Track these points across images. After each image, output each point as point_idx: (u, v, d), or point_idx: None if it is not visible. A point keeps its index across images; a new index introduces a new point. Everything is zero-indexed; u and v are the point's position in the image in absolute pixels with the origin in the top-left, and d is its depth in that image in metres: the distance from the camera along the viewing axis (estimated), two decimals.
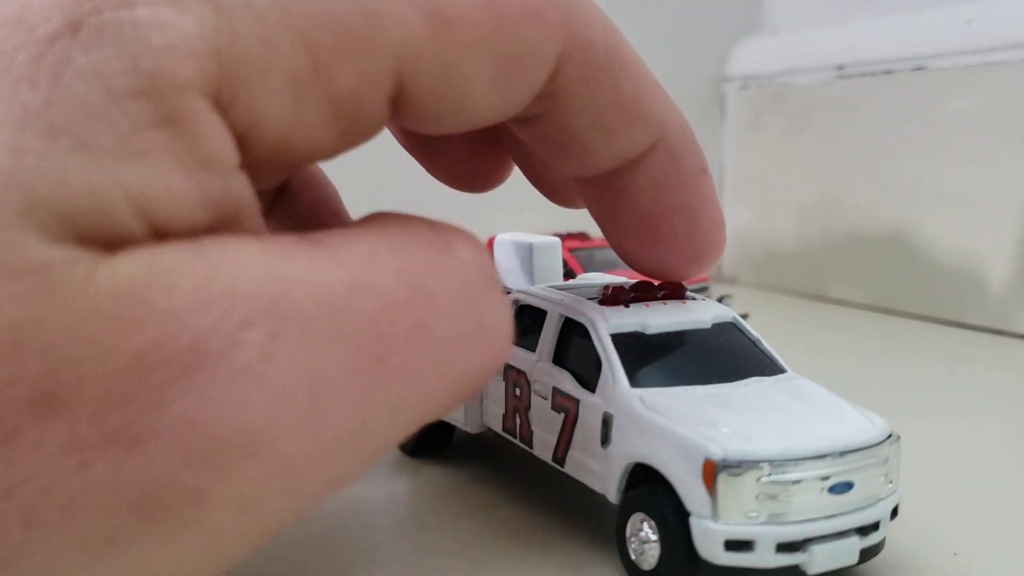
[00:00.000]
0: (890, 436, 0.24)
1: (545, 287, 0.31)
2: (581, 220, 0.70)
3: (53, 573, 0.14)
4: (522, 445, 0.29)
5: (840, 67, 0.70)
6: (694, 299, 0.29)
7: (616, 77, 0.23)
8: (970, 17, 0.60)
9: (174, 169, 0.15)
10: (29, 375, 0.13)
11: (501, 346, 0.19)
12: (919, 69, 0.63)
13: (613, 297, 0.28)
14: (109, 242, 0.15)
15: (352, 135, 0.19)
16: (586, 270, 0.54)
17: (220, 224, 0.16)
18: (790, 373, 0.28)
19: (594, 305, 0.28)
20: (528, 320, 0.30)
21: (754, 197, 0.78)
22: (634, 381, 0.25)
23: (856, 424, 0.24)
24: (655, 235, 0.26)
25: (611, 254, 0.57)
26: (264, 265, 0.16)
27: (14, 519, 0.13)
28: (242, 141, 0.17)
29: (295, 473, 0.15)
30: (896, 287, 0.64)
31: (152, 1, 0.16)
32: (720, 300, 0.59)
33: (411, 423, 0.18)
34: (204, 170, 0.16)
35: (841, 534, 0.23)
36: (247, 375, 0.14)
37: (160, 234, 0.15)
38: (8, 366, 0.13)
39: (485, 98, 0.20)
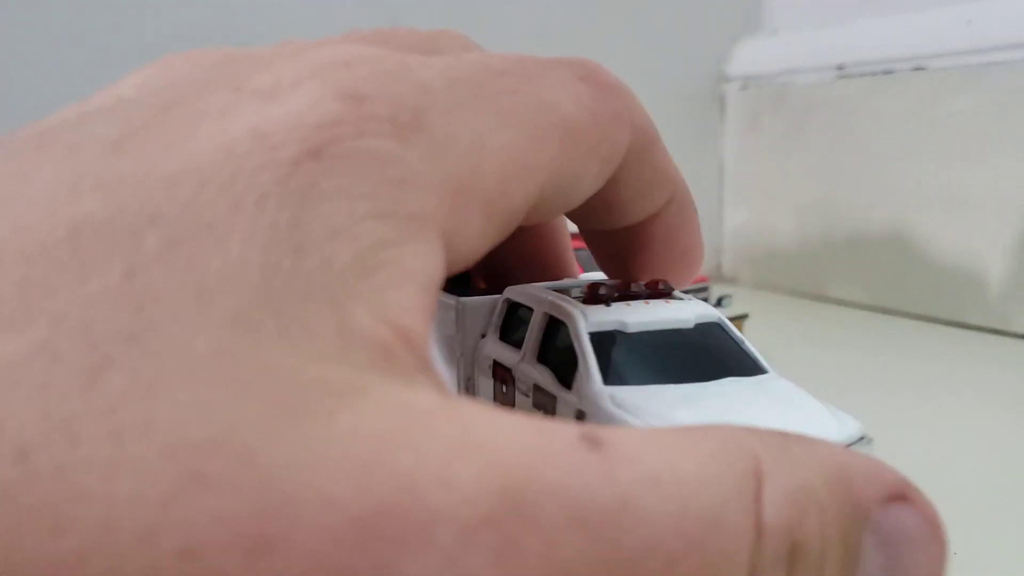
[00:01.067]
0: (862, 439, 0.24)
1: (540, 286, 0.31)
2: None
3: None
4: None
5: (840, 67, 0.70)
6: (679, 299, 0.29)
7: (653, 151, 0.25)
8: (970, 17, 0.60)
9: (407, 285, 0.15)
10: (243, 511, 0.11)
11: None
12: (919, 69, 0.63)
13: (596, 296, 0.28)
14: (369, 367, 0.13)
15: (493, 237, 0.20)
16: (586, 270, 0.54)
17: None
18: (771, 374, 0.28)
19: (576, 303, 0.28)
20: (518, 318, 0.30)
21: (754, 197, 0.78)
22: (608, 379, 0.25)
23: (824, 425, 0.24)
24: (659, 273, 0.28)
25: None
26: (519, 447, 0.13)
27: None
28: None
29: None
30: (896, 287, 0.64)
31: (381, 133, 0.16)
32: (720, 300, 0.59)
33: None
34: (425, 291, 0.15)
35: None
36: None
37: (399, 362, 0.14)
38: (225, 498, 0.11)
39: (588, 191, 0.23)
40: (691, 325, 0.27)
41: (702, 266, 0.30)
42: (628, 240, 0.28)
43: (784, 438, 0.16)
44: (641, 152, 0.25)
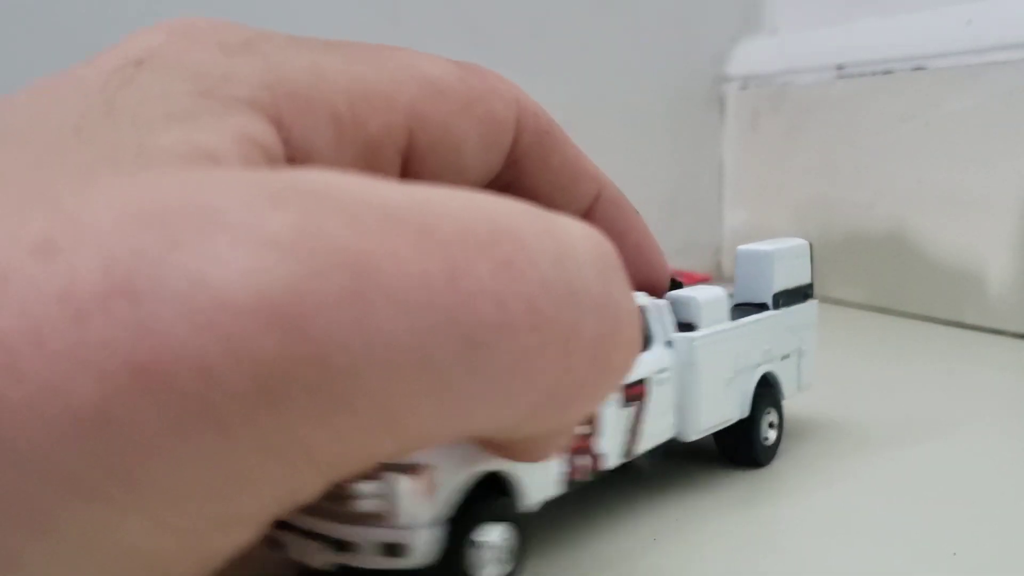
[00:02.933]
0: None
1: None
2: None
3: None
4: None
5: (840, 67, 0.70)
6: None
7: (560, 142, 0.28)
8: (970, 17, 0.60)
9: (223, 133, 0.18)
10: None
11: (631, 332, 0.18)
12: (919, 69, 0.63)
13: None
14: None
15: None
16: None
17: None
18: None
19: None
20: None
21: (753, 197, 0.78)
22: None
23: None
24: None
25: None
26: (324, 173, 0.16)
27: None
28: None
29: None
30: (895, 287, 0.64)
31: (206, 50, 0.21)
32: None
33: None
34: (241, 144, 0.19)
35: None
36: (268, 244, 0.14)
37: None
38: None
39: (474, 158, 0.25)
40: None
41: (667, 274, 0.32)
42: None
43: None
44: (542, 140, 0.27)
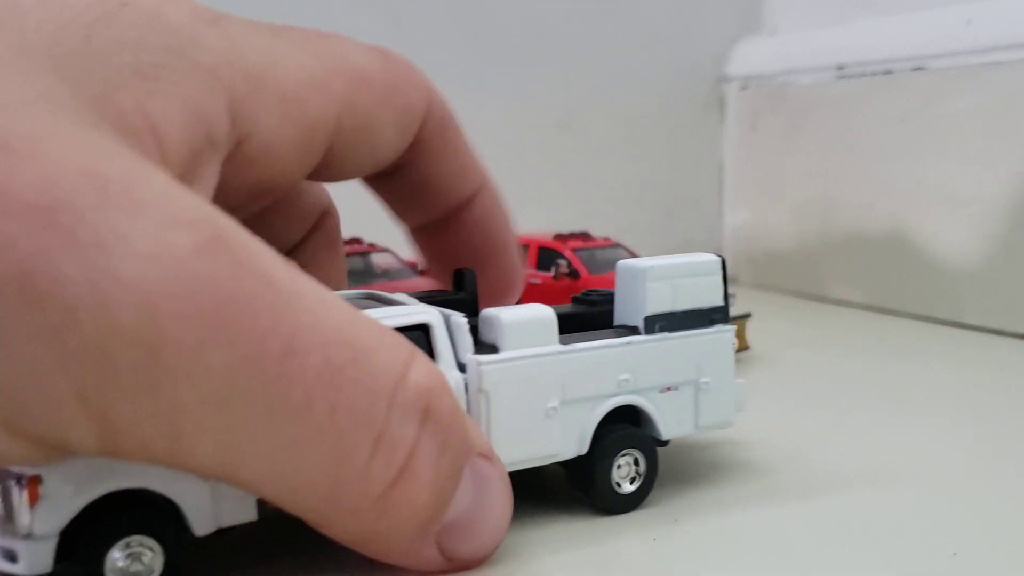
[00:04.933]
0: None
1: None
2: (583, 220, 0.70)
3: None
4: None
5: (840, 67, 0.70)
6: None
7: (456, 131, 0.30)
8: (970, 17, 0.60)
9: (174, 102, 0.21)
10: None
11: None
12: (919, 69, 0.63)
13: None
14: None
15: (304, 165, 0.26)
16: (589, 269, 0.54)
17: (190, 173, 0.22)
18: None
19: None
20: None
21: (753, 197, 0.78)
22: None
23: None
24: (483, 267, 0.32)
25: (613, 254, 0.57)
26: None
27: None
28: (242, 143, 0.24)
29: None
30: (895, 287, 0.64)
31: (180, 15, 0.23)
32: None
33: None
34: (189, 114, 0.21)
35: None
36: None
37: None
38: None
39: (387, 142, 0.28)
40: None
41: (520, 284, 0.33)
42: (452, 231, 0.32)
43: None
44: (443, 130, 0.30)
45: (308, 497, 0.21)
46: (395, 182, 0.31)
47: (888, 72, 0.65)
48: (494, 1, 0.73)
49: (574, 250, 0.55)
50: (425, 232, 0.33)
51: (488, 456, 0.24)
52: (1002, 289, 0.57)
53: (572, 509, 0.30)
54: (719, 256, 0.31)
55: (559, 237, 0.57)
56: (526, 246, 0.57)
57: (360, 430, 0.20)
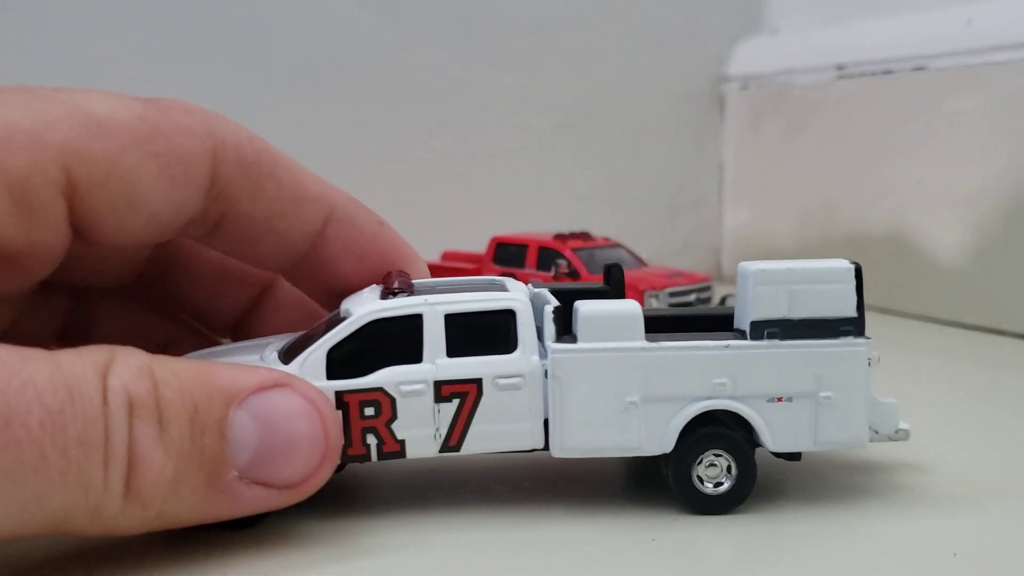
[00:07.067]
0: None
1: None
2: (583, 220, 0.70)
3: None
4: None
5: (840, 67, 0.70)
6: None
7: (272, 168, 0.29)
8: (970, 17, 0.60)
9: None
10: None
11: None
12: (919, 69, 0.63)
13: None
14: None
15: (32, 225, 0.24)
16: (589, 269, 0.54)
17: None
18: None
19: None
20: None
21: (754, 197, 0.78)
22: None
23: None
24: (355, 283, 0.31)
25: (613, 253, 0.57)
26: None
27: None
28: None
29: None
30: (896, 287, 0.64)
31: None
32: (723, 299, 0.59)
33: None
34: None
35: None
36: None
37: None
38: None
39: (154, 192, 0.26)
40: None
41: (423, 268, 0.32)
42: (318, 270, 0.31)
43: (166, 358, 0.24)
44: (247, 171, 0.28)
45: (69, 528, 0.23)
46: (224, 235, 0.30)
47: (888, 72, 0.65)
48: (495, 2, 0.73)
49: (574, 250, 0.55)
50: (297, 272, 0.32)
51: (277, 385, 0.25)
52: (1002, 290, 0.57)
53: (573, 509, 0.30)
54: (854, 263, 0.29)
55: (559, 237, 0.57)
56: (526, 246, 0.57)
57: (91, 455, 0.22)
